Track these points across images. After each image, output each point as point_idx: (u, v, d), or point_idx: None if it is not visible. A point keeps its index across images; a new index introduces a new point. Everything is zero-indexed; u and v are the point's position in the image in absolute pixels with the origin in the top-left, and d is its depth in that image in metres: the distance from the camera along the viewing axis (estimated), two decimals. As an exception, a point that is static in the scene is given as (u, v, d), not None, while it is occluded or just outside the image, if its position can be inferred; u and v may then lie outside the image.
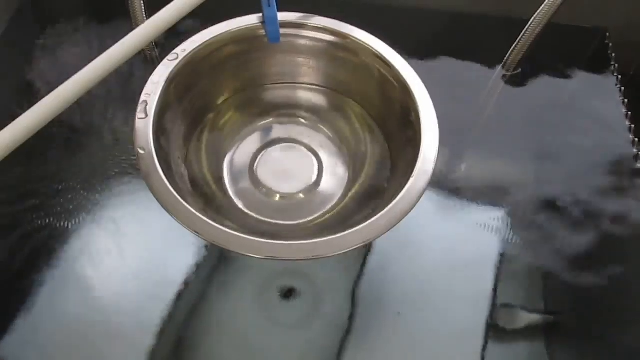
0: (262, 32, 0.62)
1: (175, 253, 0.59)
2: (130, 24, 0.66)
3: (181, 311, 0.55)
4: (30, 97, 0.48)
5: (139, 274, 0.58)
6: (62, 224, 0.60)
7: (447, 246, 0.61)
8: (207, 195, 0.60)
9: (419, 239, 0.61)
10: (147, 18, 0.50)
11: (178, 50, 0.59)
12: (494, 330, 0.56)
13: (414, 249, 0.60)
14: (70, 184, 0.63)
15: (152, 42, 0.70)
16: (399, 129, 0.62)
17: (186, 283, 0.57)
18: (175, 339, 0.54)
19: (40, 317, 0.55)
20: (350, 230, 0.50)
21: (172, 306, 0.55)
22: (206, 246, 0.59)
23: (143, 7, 0.65)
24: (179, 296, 0.56)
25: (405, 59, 0.60)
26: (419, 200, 0.52)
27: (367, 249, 0.60)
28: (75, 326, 0.55)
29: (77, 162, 0.65)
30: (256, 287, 0.57)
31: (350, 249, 0.49)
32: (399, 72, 0.60)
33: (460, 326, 0.56)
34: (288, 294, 0.57)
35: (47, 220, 0.60)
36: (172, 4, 0.50)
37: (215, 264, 0.58)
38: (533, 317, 0.57)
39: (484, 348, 0.55)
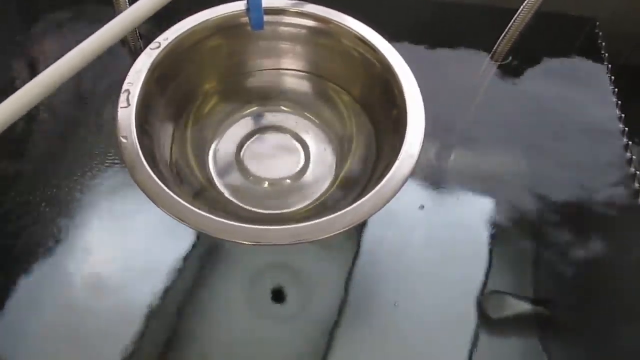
0: (245, 19, 0.62)
1: (162, 246, 0.59)
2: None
3: (169, 306, 0.55)
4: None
5: (126, 267, 0.57)
6: (45, 216, 0.59)
7: (438, 237, 0.60)
8: (193, 185, 0.60)
9: (409, 230, 0.60)
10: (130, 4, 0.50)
11: (160, 38, 0.59)
12: (487, 320, 0.55)
13: (405, 240, 0.60)
14: (55, 175, 0.62)
15: (137, 33, 0.70)
16: (384, 112, 0.62)
17: (174, 277, 0.56)
18: (163, 335, 0.53)
19: (26, 313, 0.54)
20: (335, 214, 0.49)
21: (160, 301, 0.55)
22: (194, 243, 0.58)
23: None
24: (167, 291, 0.55)
25: (395, 48, 0.60)
26: (404, 183, 0.51)
27: (358, 239, 0.59)
28: (63, 321, 0.54)
29: (61, 153, 0.65)
30: (246, 282, 0.57)
31: (336, 232, 0.49)
32: (382, 54, 0.60)
33: (452, 316, 0.56)
34: (278, 288, 0.56)
35: (31, 213, 0.59)
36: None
37: (205, 257, 0.58)
38: (525, 307, 0.57)
39: (476, 337, 0.54)
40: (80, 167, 0.63)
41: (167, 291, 0.55)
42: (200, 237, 0.58)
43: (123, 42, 0.71)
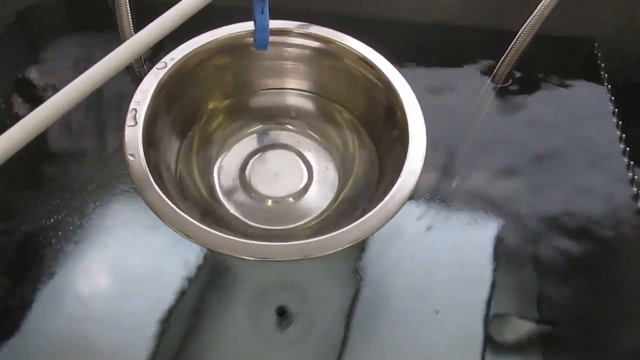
0: (250, 39, 0.63)
1: (168, 266, 0.58)
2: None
3: (172, 328, 0.54)
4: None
5: (128, 289, 0.57)
6: (54, 237, 0.58)
7: (442, 259, 0.60)
8: (198, 202, 0.60)
9: (413, 253, 0.60)
10: (135, 31, 0.50)
11: (166, 58, 0.60)
12: (491, 341, 0.55)
13: (408, 263, 0.59)
14: (62, 197, 0.62)
15: (141, 59, 0.70)
16: (386, 130, 0.63)
17: (178, 299, 0.55)
18: (167, 356, 0.53)
19: (31, 333, 0.53)
20: (340, 230, 0.50)
21: (163, 323, 0.54)
22: (198, 264, 0.58)
23: (131, 22, 0.64)
24: (169, 314, 0.54)
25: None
26: (408, 199, 0.52)
27: (364, 259, 0.59)
28: (65, 342, 0.53)
29: (69, 175, 0.64)
30: (251, 303, 0.56)
31: (342, 248, 0.49)
32: (383, 74, 0.61)
33: (458, 338, 0.55)
34: (282, 309, 0.55)
35: (39, 234, 0.59)
36: (160, 18, 0.49)
37: (208, 278, 0.57)
38: (530, 327, 0.56)
39: (482, 358, 0.54)
40: (90, 190, 0.62)
41: (169, 313, 0.54)
42: (204, 258, 0.58)
43: (127, 68, 0.71)
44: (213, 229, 0.50)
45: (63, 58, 0.76)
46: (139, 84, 0.58)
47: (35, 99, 0.70)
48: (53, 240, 0.58)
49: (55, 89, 0.44)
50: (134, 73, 0.71)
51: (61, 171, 0.65)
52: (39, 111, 0.43)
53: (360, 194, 0.61)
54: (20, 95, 0.71)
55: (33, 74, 0.74)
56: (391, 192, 0.52)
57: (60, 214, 0.60)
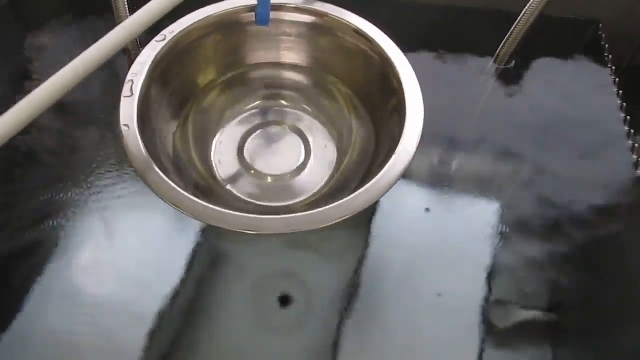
0: (247, 15, 0.63)
1: (166, 253, 0.57)
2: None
3: (173, 315, 0.53)
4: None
5: (128, 275, 0.56)
6: (50, 221, 0.58)
7: (442, 242, 0.59)
8: (195, 177, 0.60)
9: (412, 236, 0.60)
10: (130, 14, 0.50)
11: (166, 31, 0.60)
12: (494, 328, 0.54)
13: (408, 246, 0.59)
14: (58, 179, 0.61)
15: (138, 44, 0.69)
16: (383, 104, 0.62)
17: (177, 287, 0.54)
18: (167, 344, 0.52)
19: (28, 319, 0.53)
20: (330, 206, 0.50)
21: (162, 312, 0.53)
22: (197, 251, 0.58)
23: (126, 5, 0.64)
24: (168, 302, 0.54)
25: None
26: (399, 178, 0.52)
27: (362, 246, 0.59)
28: (63, 328, 0.53)
29: (67, 157, 0.65)
30: (250, 291, 0.56)
31: (328, 224, 0.49)
32: (379, 47, 0.61)
33: (459, 324, 0.55)
34: (282, 298, 0.55)
35: (36, 218, 0.58)
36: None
37: (208, 266, 0.57)
38: (533, 313, 0.55)
39: (484, 345, 0.53)
40: (87, 173, 0.62)
41: (168, 302, 0.54)
42: (203, 244, 0.57)
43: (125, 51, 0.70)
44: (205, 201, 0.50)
45: (57, 42, 0.75)
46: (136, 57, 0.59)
47: (28, 84, 0.70)
48: (47, 224, 0.58)
49: (49, 74, 0.44)
50: (130, 58, 0.69)
51: (60, 153, 0.66)
52: (39, 90, 0.43)
53: (357, 169, 0.61)
54: (14, 80, 0.72)
55: (26, 58, 0.74)
56: (383, 170, 0.52)
57: (59, 195, 0.60)
